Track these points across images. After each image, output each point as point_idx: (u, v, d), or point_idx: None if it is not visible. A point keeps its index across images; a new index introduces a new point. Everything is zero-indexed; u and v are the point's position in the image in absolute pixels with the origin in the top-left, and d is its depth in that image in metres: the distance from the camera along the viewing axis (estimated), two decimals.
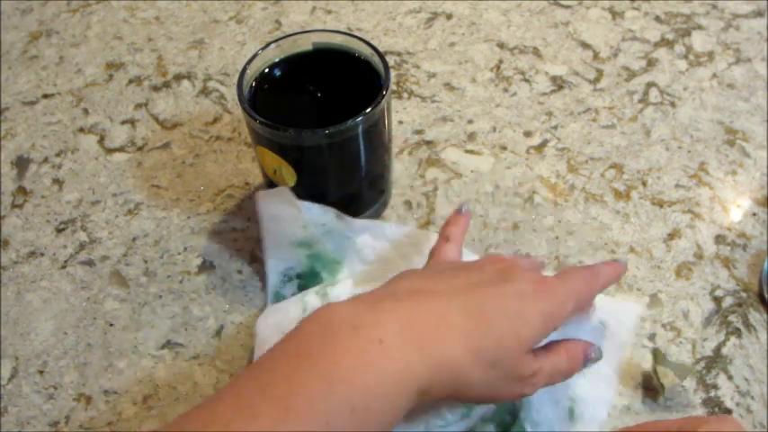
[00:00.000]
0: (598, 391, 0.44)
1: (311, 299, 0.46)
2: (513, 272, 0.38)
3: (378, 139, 0.49)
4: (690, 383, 0.45)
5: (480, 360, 0.34)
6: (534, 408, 0.42)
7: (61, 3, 0.76)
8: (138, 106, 0.65)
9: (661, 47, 0.68)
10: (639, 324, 0.49)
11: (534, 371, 0.37)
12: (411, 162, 0.59)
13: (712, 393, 0.45)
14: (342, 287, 0.46)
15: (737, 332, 0.48)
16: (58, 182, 0.59)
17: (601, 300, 0.47)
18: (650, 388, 0.45)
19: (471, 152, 0.60)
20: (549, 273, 0.51)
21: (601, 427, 0.43)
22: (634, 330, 0.48)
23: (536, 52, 0.68)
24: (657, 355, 0.46)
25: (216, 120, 0.63)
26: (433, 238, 0.48)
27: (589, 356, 0.40)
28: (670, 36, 0.69)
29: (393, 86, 0.65)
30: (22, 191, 0.59)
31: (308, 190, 0.51)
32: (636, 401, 0.45)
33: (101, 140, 0.62)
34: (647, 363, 0.47)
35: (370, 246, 0.51)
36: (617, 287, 0.50)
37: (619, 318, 0.48)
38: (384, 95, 0.46)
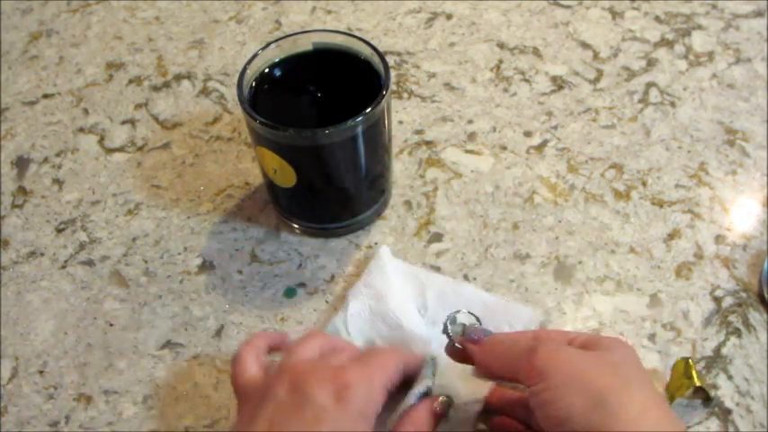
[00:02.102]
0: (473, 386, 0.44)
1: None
2: (306, 387, 0.35)
3: (378, 139, 0.49)
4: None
5: None
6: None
7: (61, 3, 0.76)
8: (138, 106, 0.65)
9: (661, 47, 0.68)
10: (640, 324, 0.49)
11: None
12: (411, 162, 0.59)
13: (712, 393, 0.45)
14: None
15: (737, 332, 0.48)
16: (57, 182, 0.59)
17: (495, 303, 0.48)
18: None
19: (471, 152, 0.60)
20: (548, 276, 0.51)
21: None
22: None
23: (536, 52, 0.68)
24: (691, 367, 0.45)
25: (216, 120, 0.63)
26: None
27: (437, 413, 0.40)
28: (670, 36, 0.69)
29: (393, 86, 0.65)
30: (22, 191, 0.59)
31: (308, 190, 0.51)
32: None
33: (101, 140, 0.62)
34: (648, 363, 0.47)
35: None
36: (617, 287, 0.51)
37: (511, 323, 0.47)
38: (384, 95, 0.46)
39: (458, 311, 0.43)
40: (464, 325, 0.43)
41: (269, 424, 0.35)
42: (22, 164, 0.61)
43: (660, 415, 0.34)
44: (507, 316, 0.47)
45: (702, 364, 0.47)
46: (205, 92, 0.66)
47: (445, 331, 0.42)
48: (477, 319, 0.43)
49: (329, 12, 0.73)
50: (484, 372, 0.40)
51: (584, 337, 0.39)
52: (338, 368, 0.37)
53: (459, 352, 0.42)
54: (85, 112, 0.65)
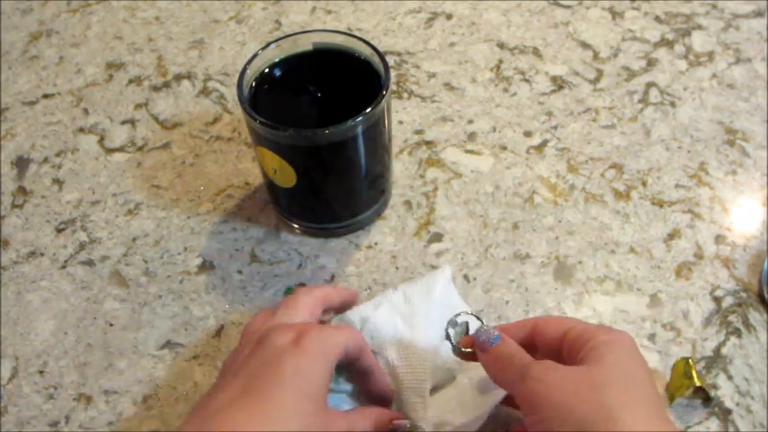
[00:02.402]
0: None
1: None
2: (268, 337, 0.38)
3: (378, 139, 0.49)
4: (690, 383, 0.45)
5: None
6: None
7: (61, 3, 0.76)
8: (138, 106, 0.65)
9: (661, 47, 0.68)
10: (640, 324, 0.49)
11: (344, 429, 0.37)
12: (411, 162, 0.59)
13: (712, 393, 0.45)
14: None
15: (737, 332, 0.48)
16: (57, 182, 0.59)
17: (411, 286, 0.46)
18: None
19: (471, 152, 0.60)
20: (548, 276, 0.51)
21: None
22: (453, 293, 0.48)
23: (536, 52, 0.68)
24: (691, 367, 0.45)
25: (216, 120, 0.63)
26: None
27: (397, 428, 0.41)
28: (670, 36, 0.69)
29: (393, 86, 0.65)
30: (22, 191, 0.59)
31: (308, 190, 0.51)
32: None
33: (101, 140, 0.62)
34: (647, 363, 0.46)
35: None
36: (617, 287, 0.51)
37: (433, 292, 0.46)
38: (384, 95, 0.46)
39: (458, 314, 0.42)
40: (467, 324, 0.42)
41: (232, 374, 0.37)
42: (22, 164, 0.61)
43: None
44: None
45: (702, 364, 0.47)
46: (205, 92, 0.66)
47: (447, 337, 0.41)
48: (479, 318, 0.43)
49: (329, 12, 0.73)
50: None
51: (581, 329, 0.37)
52: (299, 323, 0.39)
53: (467, 355, 0.41)
54: (85, 112, 0.65)
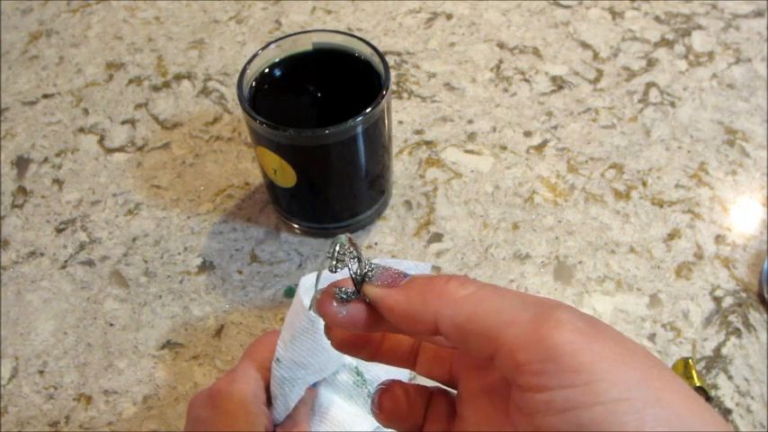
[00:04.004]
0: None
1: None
2: (191, 412, 0.38)
3: (378, 139, 0.49)
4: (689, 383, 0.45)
5: None
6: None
7: (61, 3, 0.76)
8: (138, 106, 0.65)
9: (661, 47, 0.68)
10: (640, 324, 0.49)
11: None
12: (411, 162, 0.59)
13: (712, 393, 0.45)
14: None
15: (737, 332, 0.48)
16: (57, 182, 0.59)
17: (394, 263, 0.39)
18: None
19: (471, 152, 0.60)
20: (548, 276, 0.51)
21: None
22: None
23: (536, 52, 0.68)
24: (691, 367, 0.45)
25: (216, 120, 0.63)
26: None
27: None
28: (670, 36, 0.69)
29: (393, 86, 0.65)
30: (22, 191, 0.59)
31: (309, 190, 0.51)
32: None
33: (101, 140, 0.62)
34: None
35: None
36: (617, 287, 0.51)
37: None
38: (384, 95, 0.46)
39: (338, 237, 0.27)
40: (353, 254, 0.26)
41: None
42: (22, 164, 0.61)
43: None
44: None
45: (702, 364, 0.47)
46: (205, 92, 0.66)
47: (331, 267, 0.27)
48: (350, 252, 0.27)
49: (329, 12, 0.73)
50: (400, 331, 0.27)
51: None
52: (213, 384, 0.39)
53: (353, 315, 0.26)
54: (85, 112, 0.65)
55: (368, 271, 0.26)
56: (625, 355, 0.22)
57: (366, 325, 0.26)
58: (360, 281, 0.26)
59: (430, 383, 0.30)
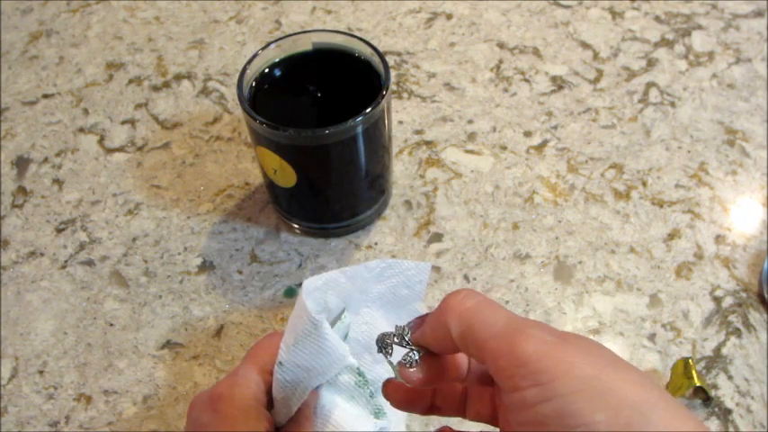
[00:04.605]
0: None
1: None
2: (191, 414, 0.37)
3: (378, 139, 0.49)
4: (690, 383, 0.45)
5: None
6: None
7: (61, 3, 0.76)
8: (138, 106, 0.65)
9: (661, 47, 0.68)
10: (640, 324, 0.49)
11: None
12: (411, 162, 0.59)
13: (712, 393, 0.45)
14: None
15: (737, 332, 0.48)
16: (57, 182, 0.59)
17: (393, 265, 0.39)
18: None
19: (471, 152, 0.60)
20: (548, 276, 0.51)
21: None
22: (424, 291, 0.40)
23: (536, 52, 0.68)
24: (691, 367, 0.45)
25: (216, 120, 0.63)
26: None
27: None
28: (670, 36, 0.69)
29: (393, 86, 0.65)
30: (22, 191, 0.59)
31: (309, 190, 0.51)
32: None
33: (101, 140, 0.62)
34: (647, 363, 0.47)
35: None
36: (617, 287, 0.51)
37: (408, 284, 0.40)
38: (384, 95, 0.46)
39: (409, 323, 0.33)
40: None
41: None
42: (22, 164, 0.61)
43: None
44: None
45: (702, 364, 0.47)
46: (205, 92, 0.66)
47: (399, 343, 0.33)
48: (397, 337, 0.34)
49: (329, 12, 0.73)
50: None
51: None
52: (213, 386, 0.38)
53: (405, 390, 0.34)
54: (85, 112, 0.65)
55: (405, 328, 0.32)
56: (584, 357, 0.26)
57: (427, 379, 0.32)
58: (406, 343, 0.32)
59: (477, 426, 0.35)
